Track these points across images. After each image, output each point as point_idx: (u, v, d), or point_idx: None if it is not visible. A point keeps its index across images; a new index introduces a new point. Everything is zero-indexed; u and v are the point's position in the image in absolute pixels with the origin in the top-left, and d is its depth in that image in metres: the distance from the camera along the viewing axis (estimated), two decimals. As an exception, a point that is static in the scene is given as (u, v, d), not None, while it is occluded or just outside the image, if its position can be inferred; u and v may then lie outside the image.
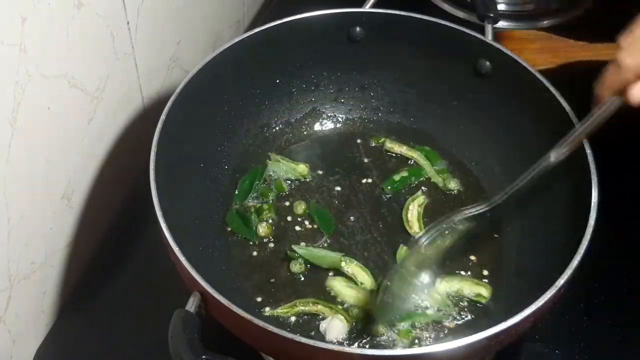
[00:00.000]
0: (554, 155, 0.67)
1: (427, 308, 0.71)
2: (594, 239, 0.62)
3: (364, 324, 0.71)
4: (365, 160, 0.86)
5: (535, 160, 0.78)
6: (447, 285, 0.73)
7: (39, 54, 0.63)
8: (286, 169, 0.83)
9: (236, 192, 0.81)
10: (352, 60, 0.87)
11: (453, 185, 0.83)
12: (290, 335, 0.56)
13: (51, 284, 0.76)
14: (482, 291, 0.73)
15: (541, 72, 0.76)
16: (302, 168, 0.84)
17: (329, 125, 0.90)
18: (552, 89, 0.74)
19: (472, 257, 0.77)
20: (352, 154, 0.87)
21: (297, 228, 0.79)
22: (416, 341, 0.69)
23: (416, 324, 0.70)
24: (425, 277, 0.72)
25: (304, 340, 0.56)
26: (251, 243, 0.78)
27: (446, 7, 1.10)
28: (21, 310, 0.71)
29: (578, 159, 0.69)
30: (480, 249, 0.77)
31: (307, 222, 0.80)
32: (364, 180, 0.84)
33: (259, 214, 0.80)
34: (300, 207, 0.80)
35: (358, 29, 0.84)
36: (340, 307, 0.72)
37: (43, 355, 0.76)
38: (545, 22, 1.08)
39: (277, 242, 0.78)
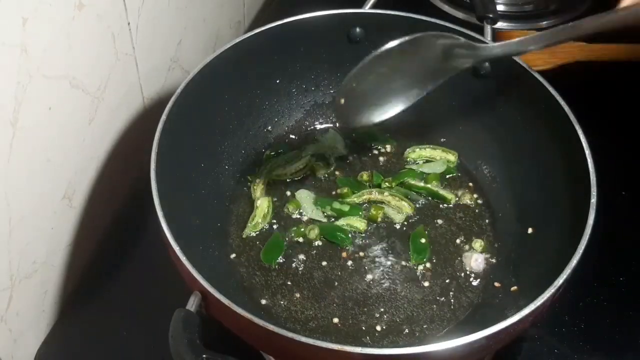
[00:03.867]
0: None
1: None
2: (593, 239, 0.63)
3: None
4: (363, 159, 0.87)
5: (533, 161, 0.79)
6: (419, 152, 0.84)
7: (40, 55, 0.63)
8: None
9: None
10: (352, 60, 0.87)
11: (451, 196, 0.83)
12: (290, 335, 0.56)
13: (52, 283, 0.77)
14: (451, 157, 0.84)
15: (540, 72, 0.76)
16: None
17: (329, 125, 0.90)
18: (550, 89, 0.74)
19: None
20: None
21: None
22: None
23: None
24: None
25: (304, 339, 0.56)
26: (251, 242, 0.78)
27: (446, 7, 1.11)
28: (22, 310, 0.72)
29: (578, 158, 0.69)
30: (482, 253, 0.77)
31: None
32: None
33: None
34: (313, 232, 0.79)
35: (358, 29, 0.84)
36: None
37: (44, 355, 0.76)
38: (544, 22, 1.09)
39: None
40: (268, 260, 0.76)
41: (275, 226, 0.80)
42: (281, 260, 0.77)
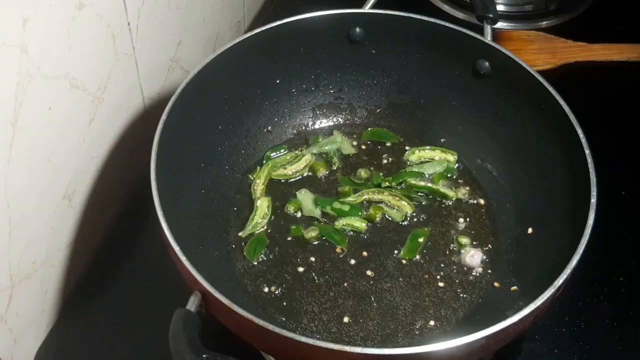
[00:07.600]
0: None
1: None
2: (593, 239, 0.63)
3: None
4: (364, 158, 0.87)
5: (533, 161, 0.79)
6: (419, 154, 0.85)
7: (41, 55, 0.63)
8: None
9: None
10: (352, 60, 0.87)
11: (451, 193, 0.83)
12: (290, 334, 0.56)
13: (52, 283, 0.77)
14: (450, 157, 0.84)
15: (540, 72, 0.77)
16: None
17: (329, 125, 0.90)
18: (550, 89, 0.74)
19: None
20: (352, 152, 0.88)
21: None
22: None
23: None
24: None
25: (304, 339, 0.56)
26: (251, 242, 0.78)
27: (445, 7, 1.11)
28: (22, 310, 0.72)
29: (578, 158, 0.69)
30: (478, 248, 0.77)
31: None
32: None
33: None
34: (312, 233, 0.78)
35: (358, 29, 0.84)
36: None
37: (44, 355, 0.76)
38: (543, 22, 1.09)
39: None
40: (250, 256, 0.76)
41: (274, 226, 0.80)
42: (270, 257, 0.77)
